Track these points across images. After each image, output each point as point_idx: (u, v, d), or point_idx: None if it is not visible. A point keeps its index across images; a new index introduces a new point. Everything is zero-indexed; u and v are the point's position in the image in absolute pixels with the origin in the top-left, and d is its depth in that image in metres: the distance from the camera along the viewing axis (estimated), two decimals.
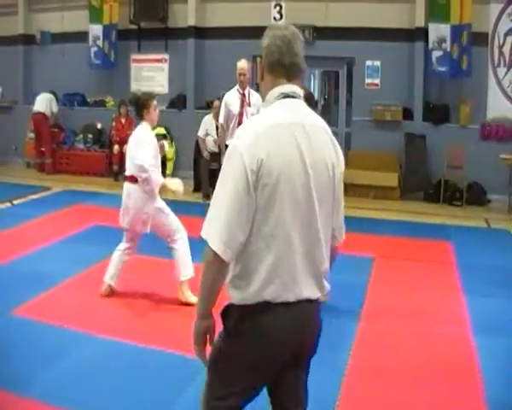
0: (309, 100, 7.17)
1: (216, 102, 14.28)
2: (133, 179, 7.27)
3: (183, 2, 16.20)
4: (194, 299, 6.92)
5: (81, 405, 5.06)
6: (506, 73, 14.21)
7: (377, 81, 15.15)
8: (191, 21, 16.15)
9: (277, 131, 2.93)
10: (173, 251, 7.41)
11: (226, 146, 9.76)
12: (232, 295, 3.02)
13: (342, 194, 3.19)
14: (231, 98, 9.99)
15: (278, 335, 2.97)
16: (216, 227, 2.86)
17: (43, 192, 14.10)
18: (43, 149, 16.81)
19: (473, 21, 14.10)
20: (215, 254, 2.85)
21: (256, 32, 13.77)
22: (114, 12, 16.92)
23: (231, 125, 9.91)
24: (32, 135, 17.23)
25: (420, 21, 14.71)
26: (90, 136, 16.89)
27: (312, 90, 18.32)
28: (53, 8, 17.95)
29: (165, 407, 5.11)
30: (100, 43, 17.01)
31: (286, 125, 2.96)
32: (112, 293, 7.53)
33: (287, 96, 3.06)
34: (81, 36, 17.16)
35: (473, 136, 14.29)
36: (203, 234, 2.89)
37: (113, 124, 16.02)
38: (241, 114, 9.88)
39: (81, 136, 17.03)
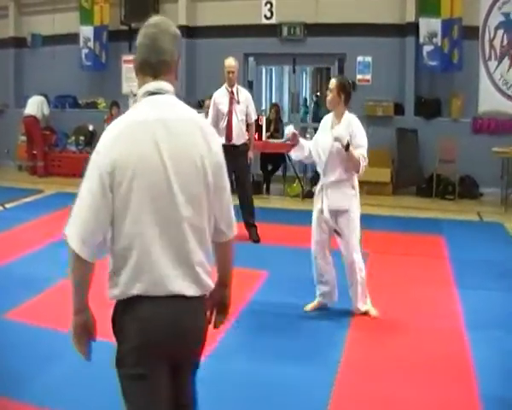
0: (344, 89, 6.77)
1: (208, 102, 14.28)
2: None
3: (173, 2, 16.25)
4: None
5: (75, 408, 5.06)
6: (497, 67, 14.23)
7: (368, 77, 15.17)
8: (182, 21, 16.12)
9: (134, 130, 2.96)
10: None
11: None
12: (109, 292, 3.12)
13: (225, 184, 3.17)
14: (220, 97, 9.98)
15: (149, 328, 2.99)
16: (75, 226, 2.94)
17: (36, 195, 14.09)
18: (34, 152, 16.81)
19: (463, 15, 14.15)
20: (74, 252, 2.92)
21: (247, 31, 13.84)
22: (105, 13, 16.94)
23: (221, 124, 9.86)
24: (23, 138, 17.21)
25: (411, 16, 14.74)
26: (82, 138, 16.88)
27: (304, 87, 18.35)
28: (43, 11, 17.97)
29: None
30: (91, 44, 17.03)
31: (146, 122, 2.97)
32: None
33: (152, 93, 3.06)
34: (72, 38, 17.17)
35: (464, 129, 14.33)
36: (65, 231, 2.97)
37: (105, 125, 15.93)
38: (229, 112, 9.89)
39: (73, 138, 17.02)
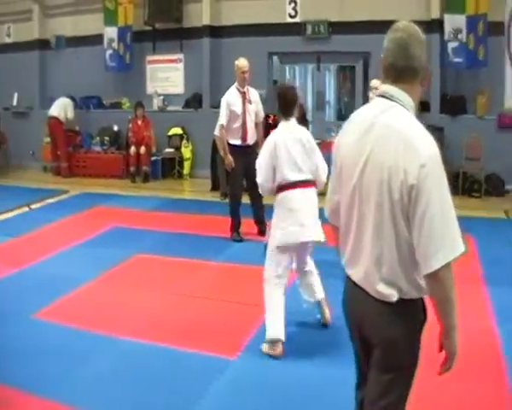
0: None
1: None
2: (314, 183, 6.45)
3: (197, 2, 16.20)
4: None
5: (104, 407, 5.08)
6: None
7: None
8: (206, 20, 16.14)
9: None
10: (307, 273, 6.77)
11: (229, 145, 9.86)
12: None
13: (422, 212, 2.88)
14: (233, 98, 9.94)
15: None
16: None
17: (61, 196, 14.15)
18: (59, 153, 16.89)
19: (488, 11, 13.99)
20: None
21: (271, 29, 13.79)
22: (129, 14, 16.96)
23: (235, 126, 9.88)
24: (48, 139, 17.30)
25: (435, 13, 14.62)
26: (107, 138, 16.91)
27: (327, 85, 18.26)
28: (67, 13, 18.10)
29: (188, 407, 5.09)
30: (115, 45, 17.05)
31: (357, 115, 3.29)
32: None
33: (381, 95, 3.13)
34: (96, 39, 17.25)
35: (490, 126, 14.18)
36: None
37: (130, 126, 16.00)
38: (244, 113, 9.90)
39: (98, 138, 17.07)
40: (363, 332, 3.26)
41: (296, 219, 6.23)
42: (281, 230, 6.26)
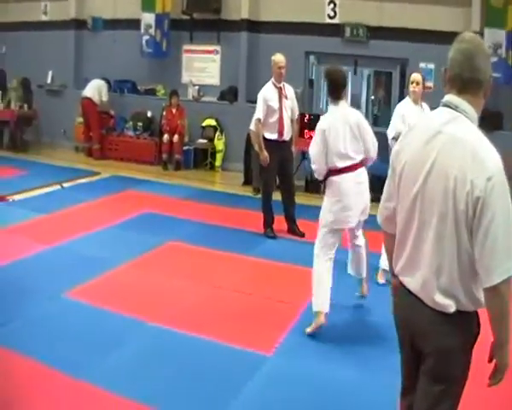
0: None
1: None
2: (362, 164, 6.60)
3: None
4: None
5: (132, 392, 5.09)
6: None
7: (430, 84, 14.92)
8: (244, 14, 16.07)
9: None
10: (357, 248, 7.02)
11: (265, 140, 9.87)
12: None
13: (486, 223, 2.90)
14: (269, 93, 9.97)
15: None
16: None
17: (93, 177, 14.14)
18: (91, 134, 16.89)
19: None
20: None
21: (309, 29, 13.67)
22: (167, 1, 16.88)
23: (272, 121, 9.88)
24: (80, 119, 17.29)
25: (476, 26, 14.50)
26: (140, 123, 16.83)
27: (360, 89, 18.24)
28: None
29: (223, 401, 5.08)
30: (152, 31, 16.98)
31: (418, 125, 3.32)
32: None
33: (444, 104, 3.16)
34: (133, 23, 17.15)
35: None
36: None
37: (164, 113, 15.99)
38: (280, 109, 9.90)
39: (131, 123, 17.01)
40: (415, 341, 3.27)
41: (347, 204, 6.43)
42: (332, 214, 6.46)
